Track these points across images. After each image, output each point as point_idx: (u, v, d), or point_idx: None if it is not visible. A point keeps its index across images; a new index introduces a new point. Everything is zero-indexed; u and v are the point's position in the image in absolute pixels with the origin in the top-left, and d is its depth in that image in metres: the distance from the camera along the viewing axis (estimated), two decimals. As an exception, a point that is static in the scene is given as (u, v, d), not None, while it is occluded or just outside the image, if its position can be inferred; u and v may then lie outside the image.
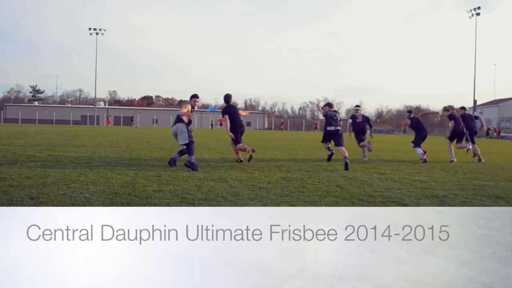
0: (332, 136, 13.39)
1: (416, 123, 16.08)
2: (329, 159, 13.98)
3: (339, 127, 13.30)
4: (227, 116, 13.00)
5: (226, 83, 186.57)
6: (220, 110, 14.14)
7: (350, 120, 16.34)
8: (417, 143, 15.59)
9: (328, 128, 13.37)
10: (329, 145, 13.92)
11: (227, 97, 13.40)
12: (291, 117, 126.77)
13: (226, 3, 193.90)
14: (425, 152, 15.30)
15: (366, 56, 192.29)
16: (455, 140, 16.23)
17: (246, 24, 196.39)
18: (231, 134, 12.69)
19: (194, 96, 11.57)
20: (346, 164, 11.81)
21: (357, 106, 17.30)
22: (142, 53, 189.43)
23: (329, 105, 13.84)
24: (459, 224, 5.59)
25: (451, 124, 16.05)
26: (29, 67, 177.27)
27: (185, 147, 10.91)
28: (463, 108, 16.93)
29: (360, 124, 16.01)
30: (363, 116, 16.39)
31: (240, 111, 13.44)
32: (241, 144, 12.99)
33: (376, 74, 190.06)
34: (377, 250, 4.32)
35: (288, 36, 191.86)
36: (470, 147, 15.99)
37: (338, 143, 13.08)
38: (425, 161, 14.84)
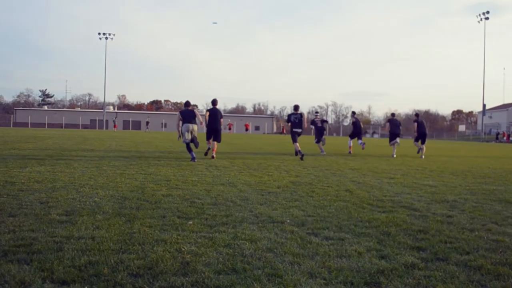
0: (296, 135, 17.51)
1: (357, 122, 22.35)
2: (297, 154, 17.25)
3: (301, 130, 17.68)
4: (207, 114, 15.82)
5: (235, 88, 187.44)
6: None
7: (312, 126, 21.62)
8: (352, 136, 22.16)
9: (295, 129, 17.63)
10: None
11: (214, 101, 16.02)
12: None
13: (235, 8, 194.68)
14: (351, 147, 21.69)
15: (374, 61, 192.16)
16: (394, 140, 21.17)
17: (255, 29, 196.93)
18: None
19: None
20: (299, 153, 16.60)
21: (316, 112, 25.18)
22: (151, 57, 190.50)
23: (294, 107, 17.95)
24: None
25: (387, 126, 21.75)
26: (39, 72, 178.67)
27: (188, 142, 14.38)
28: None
29: (320, 128, 21.08)
30: (322, 120, 21.64)
31: (221, 119, 15.95)
32: (209, 142, 15.90)
33: (384, 78, 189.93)
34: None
35: (296, 41, 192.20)
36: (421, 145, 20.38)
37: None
38: (350, 153, 21.00)
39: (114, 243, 4.40)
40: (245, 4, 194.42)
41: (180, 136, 14.57)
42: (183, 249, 4.29)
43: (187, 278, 3.57)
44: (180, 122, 14.55)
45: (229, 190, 8.10)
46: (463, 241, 4.95)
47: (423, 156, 19.70)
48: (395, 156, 19.85)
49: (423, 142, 20.13)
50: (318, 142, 20.68)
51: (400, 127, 21.42)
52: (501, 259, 4.30)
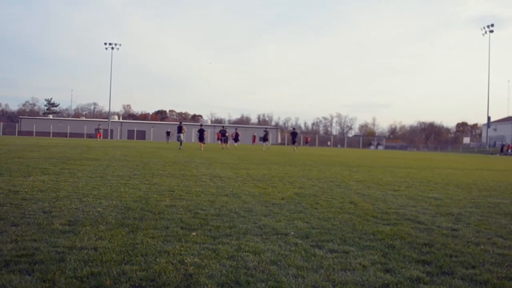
0: (225, 138, 43.32)
1: (294, 133, 42.17)
2: (223, 148, 39.42)
3: (226, 136, 43.37)
4: (199, 133, 36.56)
5: (239, 98, 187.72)
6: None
7: (233, 133, 47.10)
8: (294, 143, 41.36)
9: (222, 137, 43.04)
10: (224, 144, 42.81)
11: (201, 125, 37.91)
12: (304, 133, 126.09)
13: (240, 19, 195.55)
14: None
15: (379, 72, 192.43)
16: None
17: (259, 40, 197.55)
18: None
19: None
20: (224, 148, 40.68)
21: (223, 126, 47.22)
22: (156, 67, 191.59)
23: (222, 126, 44.98)
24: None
25: (290, 136, 47.43)
26: (44, 81, 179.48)
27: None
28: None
29: (226, 137, 43.91)
30: (226, 133, 44.13)
31: (205, 132, 36.79)
32: (201, 143, 35.60)
33: (389, 90, 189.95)
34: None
35: (301, 52, 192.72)
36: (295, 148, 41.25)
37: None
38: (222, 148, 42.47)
39: (117, 254, 4.38)
40: (249, 15, 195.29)
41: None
42: (186, 260, 4.26)
43: (189, 291, 3.54)
44: (176, 132, 37.09)
45: (233, 201, 8.07)
46: (469, 255, 4.90)
47: (295, 151, 38.35)
48: (295, 151, 37.77)
49: (294, 144, 40.36)
50: (224, 142, 42.89)
51: (296, 137, 41.46)
52: (507, 273, 4.26)
